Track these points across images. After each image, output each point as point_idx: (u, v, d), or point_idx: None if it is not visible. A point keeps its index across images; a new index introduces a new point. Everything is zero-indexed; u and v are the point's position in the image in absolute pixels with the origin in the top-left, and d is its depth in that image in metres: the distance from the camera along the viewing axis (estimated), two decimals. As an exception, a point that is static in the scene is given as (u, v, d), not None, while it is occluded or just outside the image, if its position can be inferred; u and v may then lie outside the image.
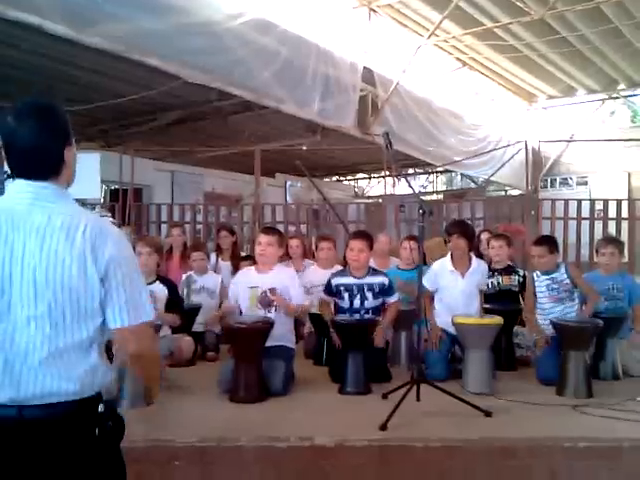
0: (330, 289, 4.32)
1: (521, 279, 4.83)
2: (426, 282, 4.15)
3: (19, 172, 1.62)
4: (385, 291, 4.29)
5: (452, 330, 4.18)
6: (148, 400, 2.43)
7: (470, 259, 4.35)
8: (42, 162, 1.61)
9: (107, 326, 1.60)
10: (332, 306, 4.40)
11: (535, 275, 4.42)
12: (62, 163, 1.64)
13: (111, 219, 4.80)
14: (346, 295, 4.25)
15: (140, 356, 1.68)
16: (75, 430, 1.56)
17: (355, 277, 4.27)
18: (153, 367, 1.84)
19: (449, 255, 4.37)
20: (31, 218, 1.54)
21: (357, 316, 4.17)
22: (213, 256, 6.09)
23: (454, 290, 4.29)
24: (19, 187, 1.60)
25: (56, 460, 1.53)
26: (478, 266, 4.36)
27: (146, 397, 2.24)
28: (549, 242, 4.41)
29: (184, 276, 5.18)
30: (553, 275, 4.31)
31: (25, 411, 1.50)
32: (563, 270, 4.33)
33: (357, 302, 4.24)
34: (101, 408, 1.60)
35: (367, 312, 4.22)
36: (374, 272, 4.35)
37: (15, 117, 1.59)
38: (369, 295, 4.25)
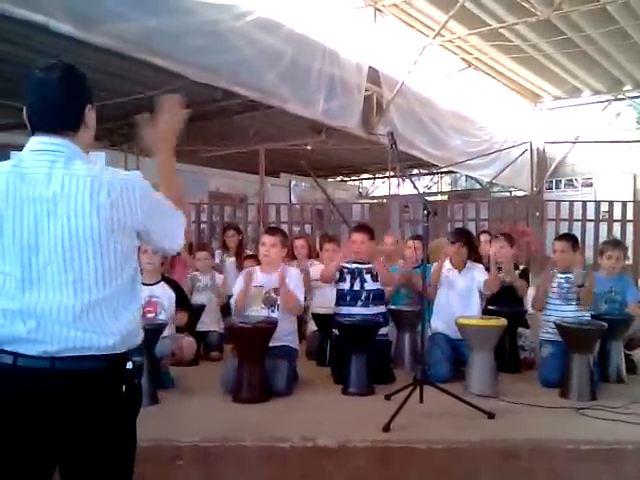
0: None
1: (520, 272, 4.85)
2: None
3: (39, 125, 1.65)
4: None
5: (451, 334, 4.22)
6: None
7: (465, 263, 4.50)
8: (63, 114, 1.66)
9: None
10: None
11: (552, 272, 4.39)
12: (81, 121, 1.69)
13: None
14: (348, 277, 4.36)
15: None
16: (103, 384, 1.59)
17: (356, 262, 4.39)
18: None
19: (448, 260, 4.52)
20: (53, 183, 1.56)
21: (359, 302, 4.29)
22: (218, 254, 6.10)
23: (450, 285, 4.44)
24: (38, 145, 1.63)
25: (83, 412, 1.55)
26: (472, 265, 4.50)
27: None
28: (572, 239, 4.47)
29: (189, 275, 5.19)
30: (569, 275, 4.25)
31: (57, 363, 1.53)
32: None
33: (357, 285, 4.34)
34: (129, 365, 1.63)
35: (368, 296, 4.31)
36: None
37: (43, 69, 1.66)
38: (367, 277, 4.35)
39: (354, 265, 4.38)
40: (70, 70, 1.69)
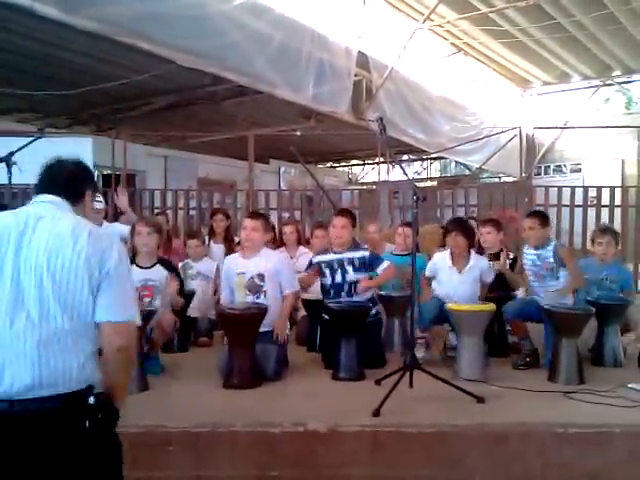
0: (311, 266, 4.38)
1: (511, 261, 4.83)
2: (427, 270, 4.42)
3: (44, 190, 1.83)
4: (368, 264, 4.28)
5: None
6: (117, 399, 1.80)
7: (469, 256, 4.34)
8: (67, 190, 1.85)
9: (96, 321, 1.67)
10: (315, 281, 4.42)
11: (525, 248, 4.41)
12: (82, 198, 1.91)
13: (99, 200, 4.73)
14: (327, 271, 4.27)
15: (124, 350, 1.73)
16: (65, 423, 1.58)
17: (335, 252, 4.29)
18: (130, 365, 1.87)
19: (449, 251, 4.38)
20: (40, 228, 1.68)
21: (343, 294, 4.21)
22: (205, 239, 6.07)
23: (449, 285, 4.31)
24: (39, 198, 1.82)
25: (47, 453, 1.55)
26: (476, 262, 4.34)
27: (114, 396, 1.76)
28: (540, 215, 4.42)
29: (180, 263, 5.16)
30: (539, 251, 4.25)
31: (16, 406, 1.53)
32: (550, 248, 4.24)
33: (339, 277, 4.25)
34: (91, 400, 1.62)
35: (350, 287, 4.23)
36: (355, 247, 4.34)
37: (57, 162, 1.92)
38: (349, 269, 4.24)
39: (334, 256, 4.27)
40: (80, 164, 1.97)
